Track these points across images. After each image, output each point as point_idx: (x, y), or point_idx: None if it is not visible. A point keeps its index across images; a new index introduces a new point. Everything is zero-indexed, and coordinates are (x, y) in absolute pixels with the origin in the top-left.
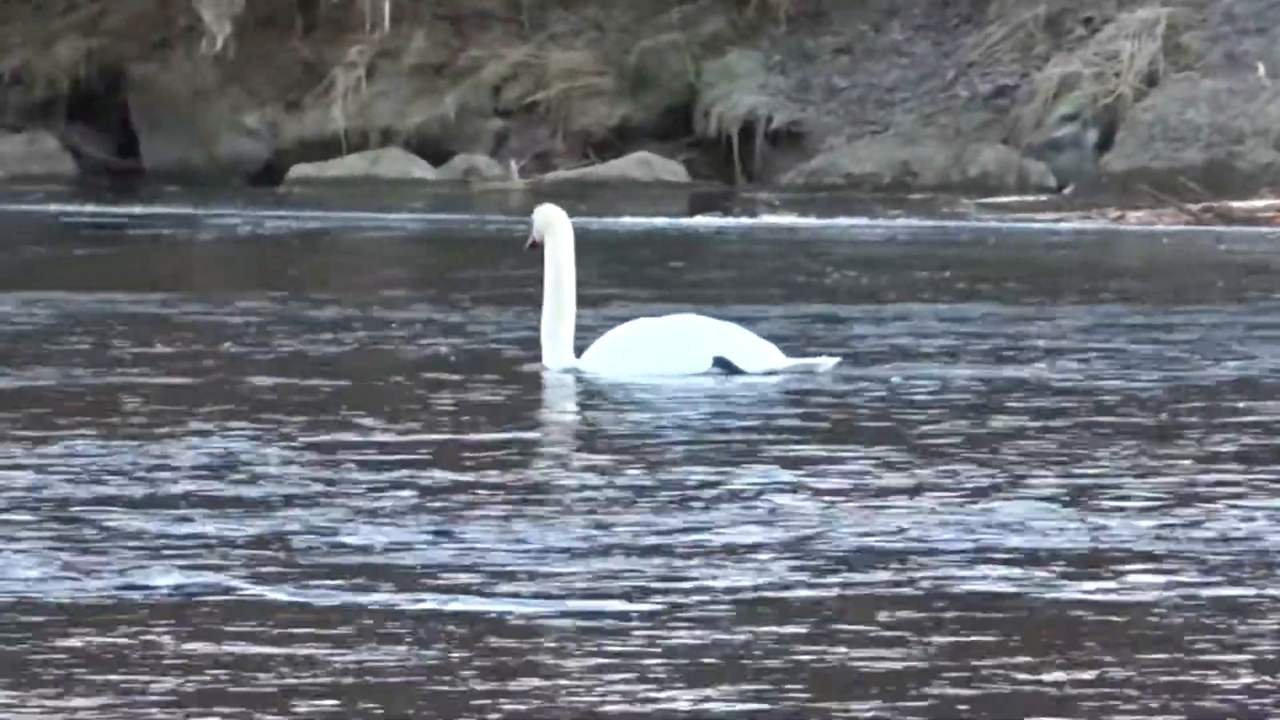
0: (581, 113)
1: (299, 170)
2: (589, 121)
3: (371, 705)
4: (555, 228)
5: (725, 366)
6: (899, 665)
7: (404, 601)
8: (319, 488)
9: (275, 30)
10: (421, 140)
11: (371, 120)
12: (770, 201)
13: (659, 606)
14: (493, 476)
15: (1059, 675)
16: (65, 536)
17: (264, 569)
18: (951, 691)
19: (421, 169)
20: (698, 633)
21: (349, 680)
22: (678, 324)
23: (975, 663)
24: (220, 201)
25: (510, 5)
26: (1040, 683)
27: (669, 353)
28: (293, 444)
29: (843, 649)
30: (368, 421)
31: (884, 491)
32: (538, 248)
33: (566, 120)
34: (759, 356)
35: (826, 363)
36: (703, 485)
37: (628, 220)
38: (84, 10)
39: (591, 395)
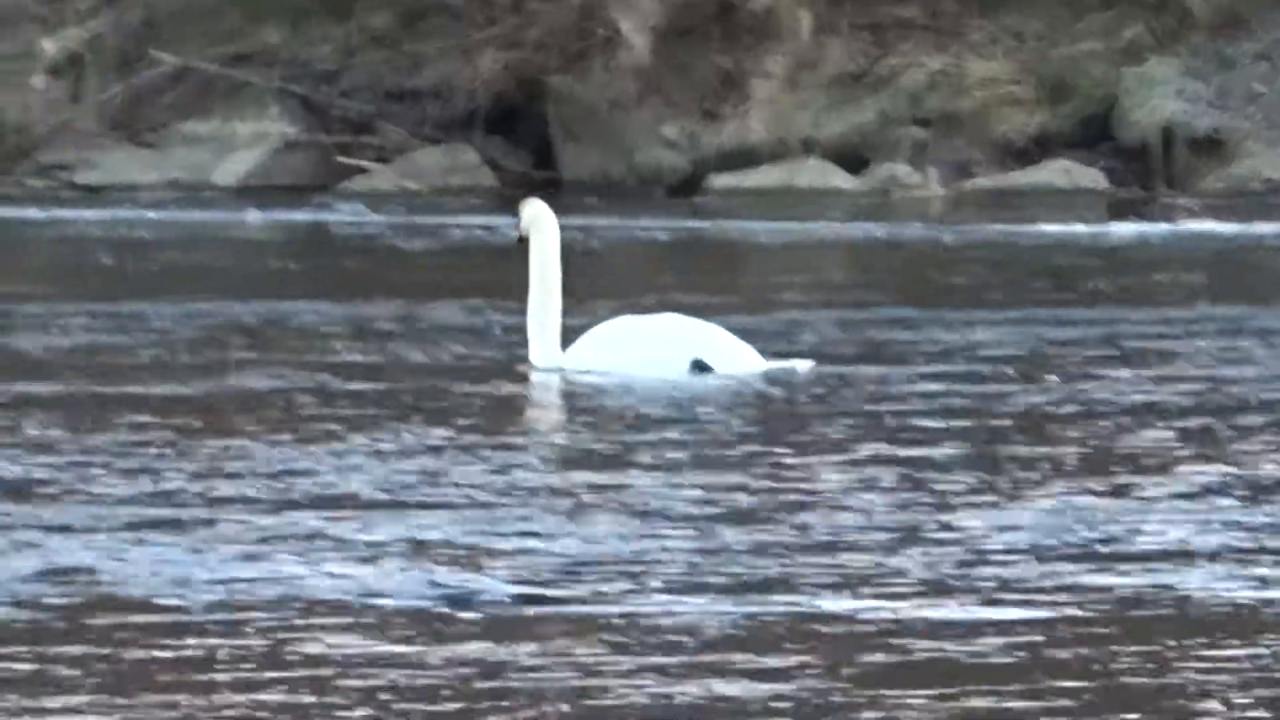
0: (1000, 121)
1: (718, 180)
2: (1008, 129)
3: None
4: (540, 223)
5: (702, 368)
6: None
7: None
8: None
9: (693, 41)
10: (840, 149)
11: (790, 130)
12: (1190, 208)
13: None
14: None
15: None
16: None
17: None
18: None
19: (841, 178)
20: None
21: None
22: (659, 324)
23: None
24: (639, 212)
25: (929, 14)
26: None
27: (649, 351)
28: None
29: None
30: None
31: None
32: (525, 243)
33: (985, 128)
34: (737, 359)
35: (804, 365)
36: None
37: (1047, 228)
38: (503, 24)
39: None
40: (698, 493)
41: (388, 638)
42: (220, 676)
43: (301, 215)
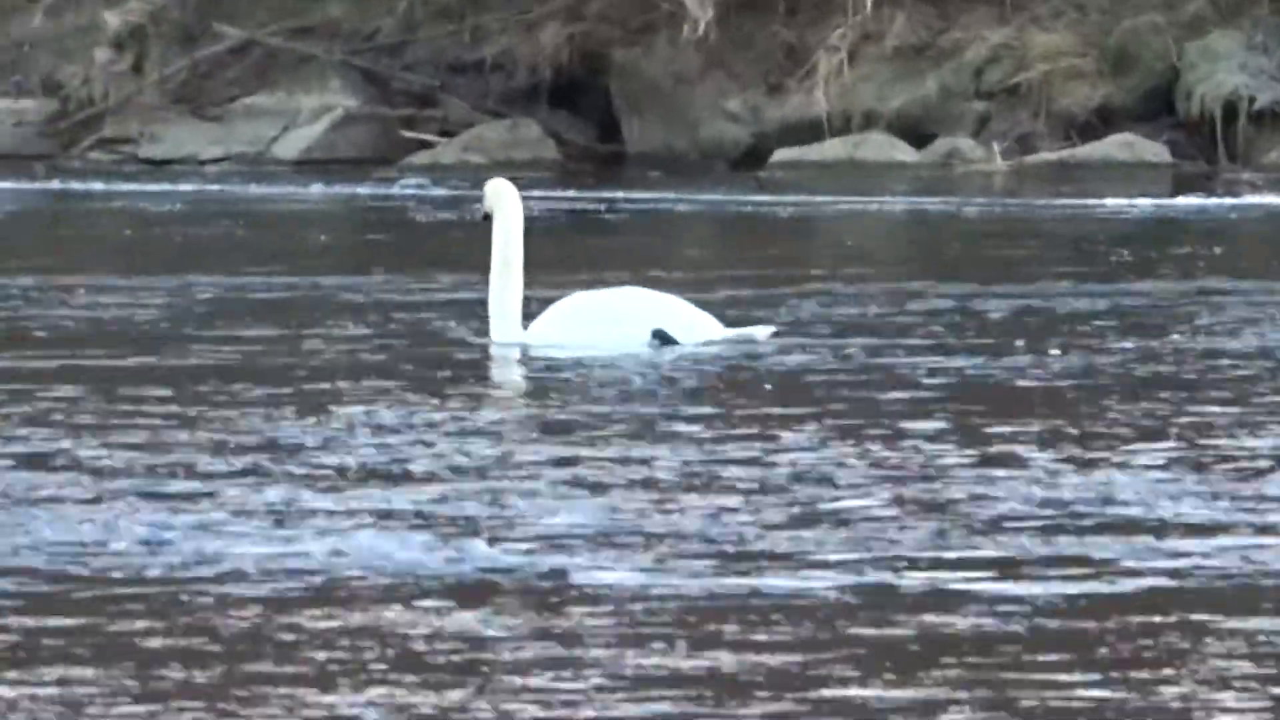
0: (1063, 94)
1: (781, 154)
2: (1070, 103)
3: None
4: (503, 201)
5: (663, 338)
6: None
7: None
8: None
9: (757, 14)
10: (903, 123)
11: (853, 103)
12: (1253, 181)
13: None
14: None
15: None
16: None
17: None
18: None
19: (903, 152)
20: None
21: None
22: (618, 296)
23: None
24: (702, 186)
25: None
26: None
27: (609, 325)
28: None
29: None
30: None
31: None
32: (488, 220)
33: (1048, 102)
34: (697, 328)
35: (763, 331)
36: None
37: (1110, 202)
38: None
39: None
40: (671, 463)
41: (371, 608)
42: (211, 648)
43: (364, 189)
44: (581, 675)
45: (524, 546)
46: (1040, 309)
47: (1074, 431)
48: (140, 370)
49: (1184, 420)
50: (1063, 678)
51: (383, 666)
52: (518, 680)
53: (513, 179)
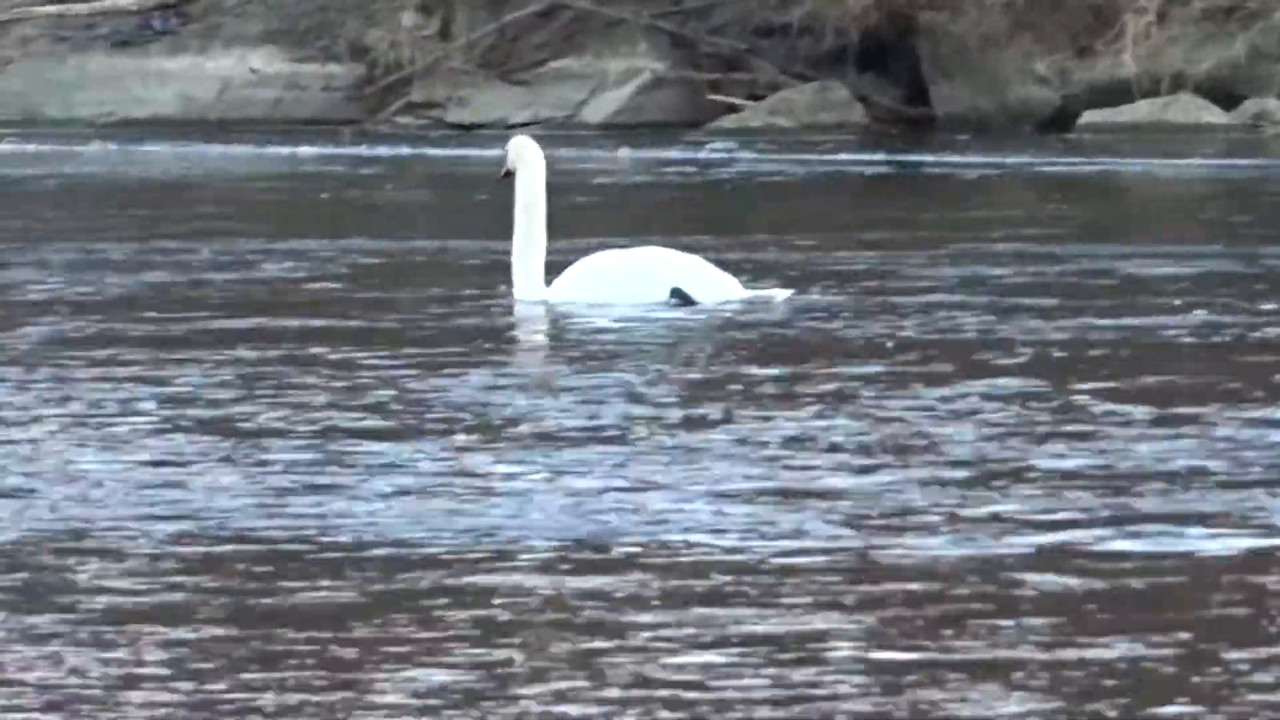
0: None
1: (1089, 116)
2: None
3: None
4: (526, 159)
5: (681, 298)
6: None
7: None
8: None
9: None
10: (1213, 84)
11: (1162, 65)
12: None
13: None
14: None
15: None
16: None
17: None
18: None
19: (1212, 114)
20: None
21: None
22: (639, 256)
23: None
24: (1009, 148)
25: None
26: None
27: (629, 284)
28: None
29: None
30: None
31: None
32: (510, 178)
33: None
34: (716, 288)
35: (781, 294)
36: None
37: None
38: None
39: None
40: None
41: (527, 570)
42: (380, 608)
43: (672, 153)
44: (723, 639)
45: (674, 509)
46: None
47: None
48: (385, 333)
49: None
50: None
51: (528, 624)
52: (660, 643)
53: (819, 142)
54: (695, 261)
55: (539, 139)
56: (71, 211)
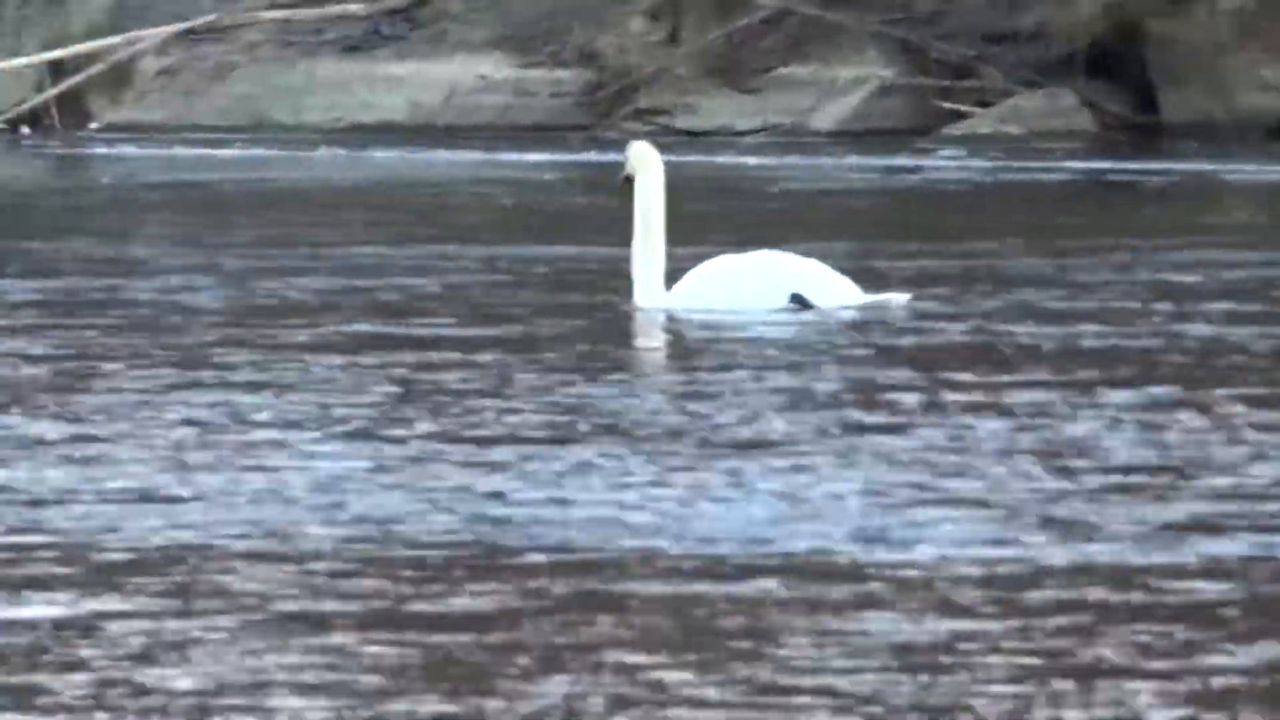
0: None
1: None
2: None
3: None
4: (647, 164)
5: (800, 302)
6: None
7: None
8: None
9: None
10: None
11: None
12: None
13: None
14: None
15: None
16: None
17: None
18: None
19: None
20: None
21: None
22: (758, 260)
23: None
24: (1238, 155)
25: None
26: None
27: (748, 288)
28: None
29: None
30: None
31: None
32: (629, 184)
33: None
34: (835, 293)
35: (899, 298)
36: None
37: None
38: None
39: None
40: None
41: (680, 577)
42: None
43: (899, 160)
44: (851, 647)
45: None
46: None
47: None
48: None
49: None
50: None
51: (677, 634)
52: (813, 651)
53: (1049, 149)
54: (814, 266)
55: (768, 146)
56: (278, 216)
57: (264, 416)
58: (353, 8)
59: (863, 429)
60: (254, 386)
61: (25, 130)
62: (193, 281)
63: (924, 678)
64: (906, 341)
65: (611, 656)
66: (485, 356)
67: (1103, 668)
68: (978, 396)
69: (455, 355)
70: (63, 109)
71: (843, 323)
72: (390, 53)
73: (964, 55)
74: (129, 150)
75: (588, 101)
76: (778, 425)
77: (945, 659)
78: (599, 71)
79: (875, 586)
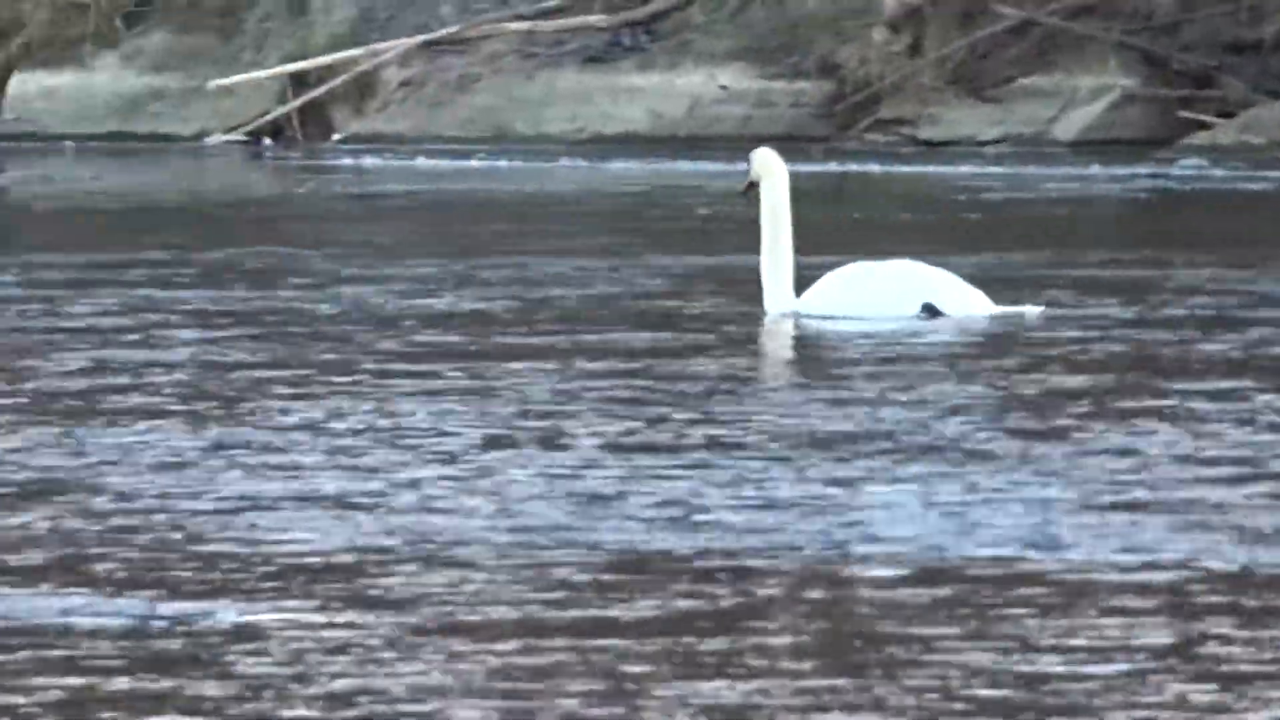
0: None
1: None
2: None
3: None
4: (771, 171)
5: (932, 311)
6: None
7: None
8: None
9: None
10: None
11: None
12: None
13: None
14: None
15: None
16: None
17: None
18: None
19: None
20: None
21: None
22: (891, 268)
23: None
24: None
25: None
26: None
27: (880, 296)
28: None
29: None
30: None
31: None
32: (753, 190)
33: None
34: (966, 303)
35: (1033, 310)
36: None
37: None
38: None
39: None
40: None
41: (769, 585)
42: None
43: (1141, 169)
44: (1064, 648)
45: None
46: None
47: None
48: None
49: None
50: None
51: (847, 641)
52: (994, 655)
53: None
54: (946, 275)
55: (1007, 156)
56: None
57: (432, 424)
58: (594, 20)
59: (1024, 435)
60: (426, 395)
61: (267, 142)
62: (384, 290)
63: (1095, 684)
64: (1049, 351)
65: (783, 664)
66: (649, 364)
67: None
68: (1137, 403)
69: (620, 364)
70: (306, 121)
71: (975, 332)
72: (631, 64)
73: (1205, 65)
74: (370, 161)
75: (828, 112)
76: (940, 431)
77: (1123, 664)
78: (840, 82)
79: (1056, 590)
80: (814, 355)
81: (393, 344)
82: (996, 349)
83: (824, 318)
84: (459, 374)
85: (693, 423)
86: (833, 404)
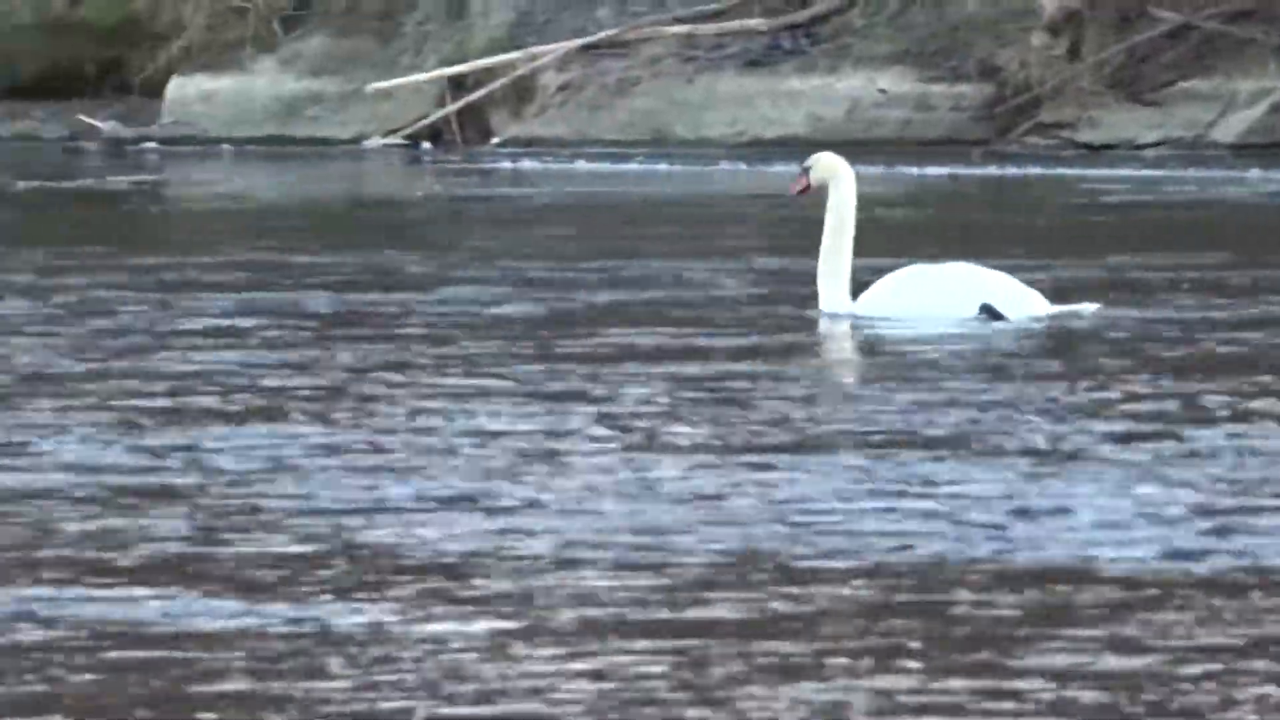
0: None
1: None
2: None
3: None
4: (839, 176)
5: (990, 313)
6: None
7: None
8: None
9: None
10: None
11: None
12: None
13: None
14: None
15: None
16: None
17: None
18: None
19: None
20: None
21: None
22: (948, 270)
23: None
24: None
25: None
26: None
27: (939, 298)
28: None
29: None
30: None
31: None
32: (807, 193)
33: None
34: (1024, 304)
35: (1088, 308)
36: None
37: None
38: None
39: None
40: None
41: (872, 588)
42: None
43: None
44: (1146, 649)
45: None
46: None
47: None
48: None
49: None
50: None
51: (965, 644)
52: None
53: None
54: (1003, 278)
55: (1167, 159)
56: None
57: (542, 426)
58: (754, 23)
59: (1113, 438)
60: (535, 397)
61: (426, 145)
62: (507, 292)
63: (1214, 685)
64: (1123, 350)
65: (877, 667)
66: (734, 365)
67: None
68: (1228, 401)
69: (718, 366)
70: (465, 124)
71: (1035, 333)
72: (791, 67)
73: None
74: (528, 165)
75: (988, 116)
76: (1030, 433)
77: (1251, 664)
78: (1000, 86)
79: (1141, 594)
80: (883, 356)
81: (518, 347)
82: (1048, 348)
83: (880, 319)
84: (579, 378)
85: (788, 422)
86: (921, 405)
